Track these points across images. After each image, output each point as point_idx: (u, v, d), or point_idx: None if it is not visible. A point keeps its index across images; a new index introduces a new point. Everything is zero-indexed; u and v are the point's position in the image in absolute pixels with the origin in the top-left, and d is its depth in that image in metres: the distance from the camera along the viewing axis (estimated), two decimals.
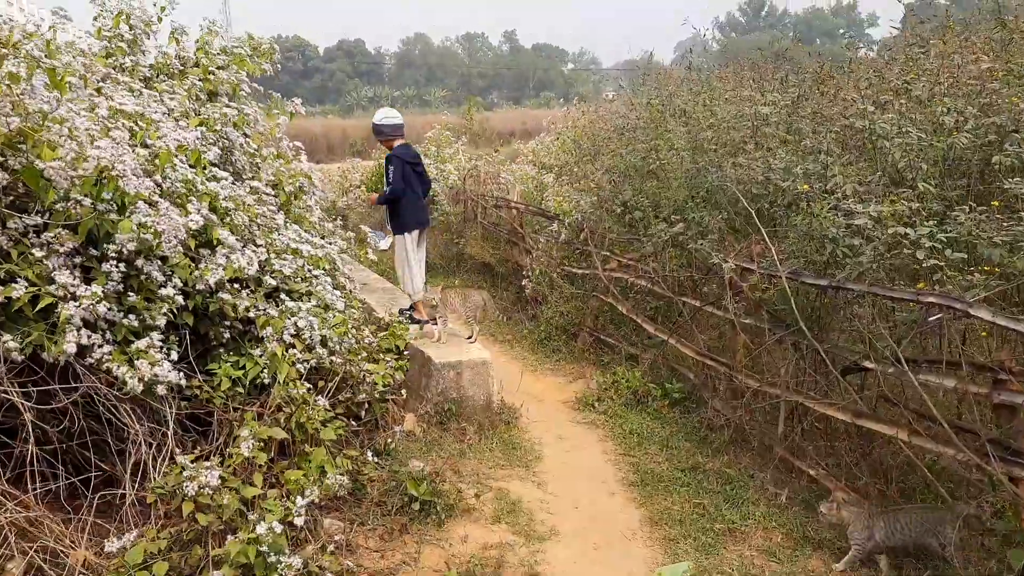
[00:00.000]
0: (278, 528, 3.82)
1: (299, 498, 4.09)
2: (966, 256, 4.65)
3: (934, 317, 4.73)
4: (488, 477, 6.00)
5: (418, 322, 7.84)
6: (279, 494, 4.35)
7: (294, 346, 5.05)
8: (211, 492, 3.94)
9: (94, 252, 4.29)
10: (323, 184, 14.94)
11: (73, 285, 3.95)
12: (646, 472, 6.15)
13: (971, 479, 4.91)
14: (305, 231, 6.23)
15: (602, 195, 9.33)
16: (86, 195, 4.08)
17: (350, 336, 5.51)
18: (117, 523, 4.26)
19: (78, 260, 4.24)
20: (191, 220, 4.41)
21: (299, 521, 4.01)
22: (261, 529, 3.76)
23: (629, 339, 8.64)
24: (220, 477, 4.12)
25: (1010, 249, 4.49)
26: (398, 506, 5.25)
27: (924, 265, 4.64)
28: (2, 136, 3.94)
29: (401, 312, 7.81)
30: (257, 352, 4.77)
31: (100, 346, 4.10)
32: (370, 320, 7.24)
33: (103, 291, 4.06)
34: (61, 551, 3.95)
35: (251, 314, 4.93)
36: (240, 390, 4.78)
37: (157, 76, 6.22)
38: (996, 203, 4.92)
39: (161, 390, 4.20)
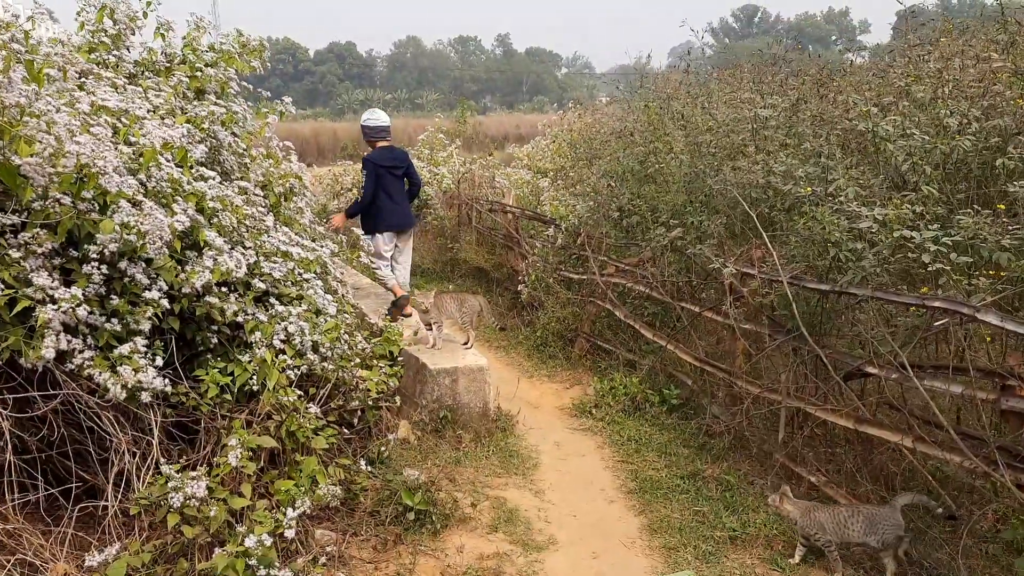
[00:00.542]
0: (267, 541, 3.68)
1: (289, 510, 3.95)
2: (971, 260, 4.56)
3: (940, 322, 4.63)
4: (485, 485, 5.86)
5: (396, 302, 8.13)
6: (269, 505, 4.21)
7: (284, 352, 4.91)
8: (197, 504, 3.79)
9: (75, 253, 4.13)
10: (313, 186, 14.87)
11: (52, 288, 3.79)
12: (645, 479, 6.03)
13: (976, 486, 4.81)
14: (296, 233, 6.09)
15: (599, 199, 9.22)
16: (65, 193, 3.93)
17: (342, 341, 5.36)
18: (99, 535, 4.11)
19: (58, 262, 4.08)
20: (176, 221, 4.27)
21: (290, 534, 3.87)
22: (250, 542, 3.62)
23: (627, 345, 8.51)
24: (208, 488, 3.98)
25: (1017, 253, 4.39)
26: (392, 516, 5.11)
27: (929, 269, 4.54)
28: None
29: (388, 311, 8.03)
30: (245, 358, 4.61)
31: (81, 351, 3.95)
32: (363, 325, 7.10)
33: (83, 294, 3.90)
34: (40, 565, 3.81)
35: (239, 319, 4.78)
36: (228, 397, 4.63)
37: (143, 73, 6.06)
38: (1002, 206, 4.83)
39: (145, 397, 4.05)
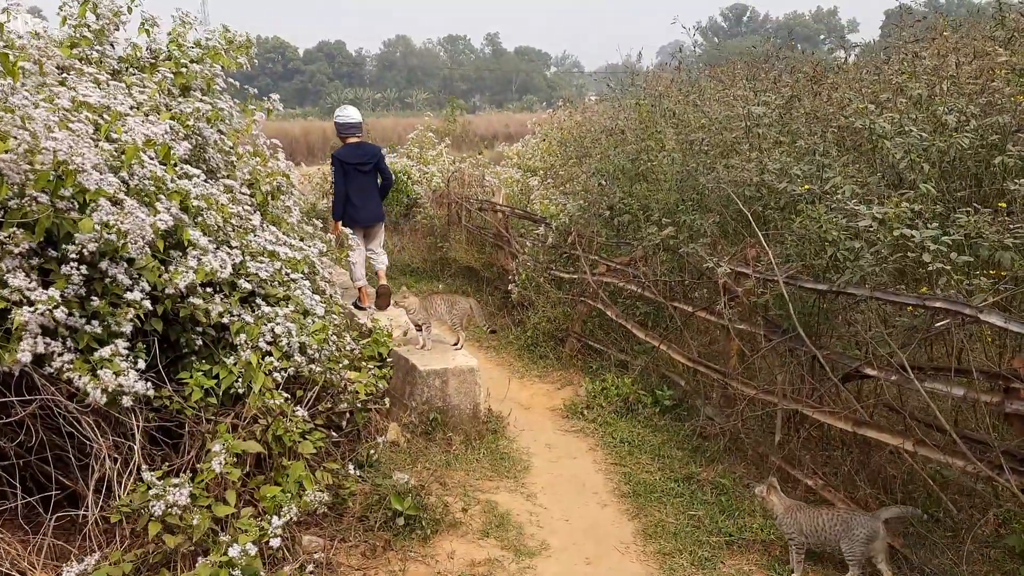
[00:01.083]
0: (252, 550, 3.56)
1: (275, 518, 3.82)
2: (972, 259, 4.48)
3: (940, 323, 4.54)
4: (475, 489, 5.76)
5: (362, 309, 8.40)
6: (254, 512, 4.09)
7: (271, 354, 4.78)
8: (179, 511, 3.67)
9: (54, 253, 4.00)
10: (302, 185, 14.73)
11: (29, 289, 3.66)
12: (638, 482, 5.93)
13: (977, 490, 4.73)
14: (284, 233, 5.97)
15: (590, 198, 9.12)
16: (43, 191, 3.80)
17: (330, 343, 5.24)
18: (79, 544, 3.99)
19: (36, 262, 3.94)
20: (159, 220, 4.14)
21: (275, 543, 3.74)
22: (234, 551, 3.50)
23: (619, 345, 8.42)
24: (191, 495, 3.86)
25: (1020, 252, 4.31)
26: (381, 521, 5.00)
27: (929, 268, 4.46)
28: None
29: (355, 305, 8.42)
30: (230, 360, 4.48)
31: (60, 354, 3.83)
32: (352, 326, 6.98)
33: (62, 295, 3.77)
34: (18, 575, 3.68)
35: (225, 320, 4.66)
36: (212, 400, 4.50)
37: (127, 69, 5.92)
38: (1003, 204, 4.75)
39: (126, 401, 3.93)
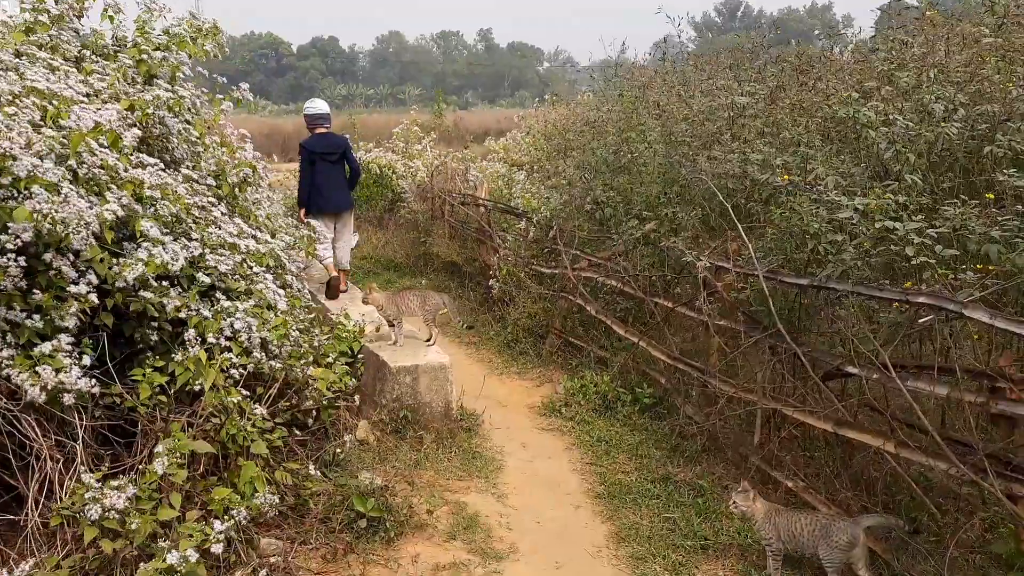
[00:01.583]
0: (193, 557, 3.36)
1: (217, 523, 3.61)
2: (958, 253, 4.30)
3: (924, 319, 4.36)
4: (445, 489, 5.57)
5: (329, 283, 8.76)
6: (202, 515, 3.89)
7: (230, 349, 4.59)
8: (117, 516, 3.47)
9: None
10: (288, 180, 14.52)
11: None
12: (613, 483, 5.75)
13: (962, 494, 4.55)
14: (251, 226, 5.77)
15: (572, 192, 8.94)
16: None
17: (290, 338, 5.03)
18: (19, 548, 3.79)
19: None
20: (107, 209, 3.95)
21: (217, 549, 3.54)
22: (173, 558, 3.30)
23: (599, 342, 8.23)
24: (136, 496, 3.67)
25: (1008, 245, 4.14)
26: (344, 523, 4.82)
27: (913, 262, 4.29)
28: None
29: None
30: (178, 357, 4.28)
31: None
32: (323, 321, 6.78)
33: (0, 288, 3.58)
34: None
35: (183, 315, 4.47)
36: (163, 399, 4.29)
37: (90, 56, 5.72)
38: (991, 195, 4.57)
39: (68, 399, 3.73)
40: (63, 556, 3.61)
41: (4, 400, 3.77)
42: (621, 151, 8.16)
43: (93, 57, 5.73)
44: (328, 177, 8.71)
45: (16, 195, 3.77)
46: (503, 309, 9.69)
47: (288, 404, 5.22)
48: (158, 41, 6.00)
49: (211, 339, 4.41)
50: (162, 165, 4.85)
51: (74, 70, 4.97)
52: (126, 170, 4.40)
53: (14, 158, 3.55)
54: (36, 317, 3.83)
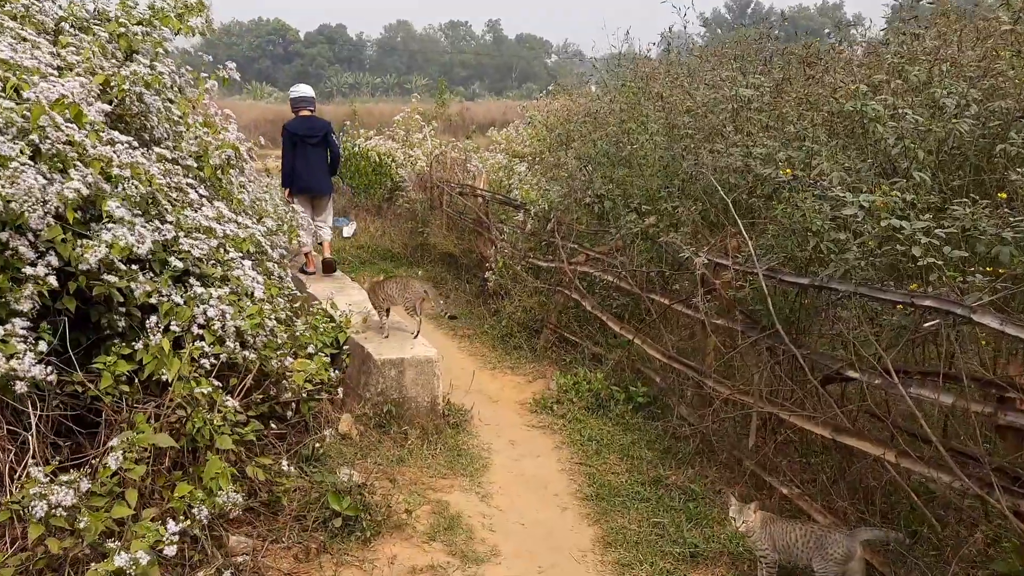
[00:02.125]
0: (144, 559, 3.15)
1: (172, 523, 3.39)
2: (968, 255, 4.08)
3: (930, 323, 4.15)
4: (427, 488, 5.37)
5: (309, 274, 9.06)
6: (160, 513, 3.69)
7: (203, 338, 4.37)
8: (64, 513, 3.25)
9: None
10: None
11: None
12: (603, 485, 5.54)
13: (964, 506, 4.34)
14: (234, 210, 5.56)
15: (572, 184, 8.71)
16: None
17: (266, 328, 4.81)
18: None
19: None
20: (68, 187, 3.74)
21: (170, 551, 3.32)
22: (121, 560, 3.09)
23: (594, 338, 8.01)
24: (92, 492, 3.46)
25: (1020, 248, 3.91)
26: (319, 521, 4.62)
27: (919, 263, 4.07)
28: None
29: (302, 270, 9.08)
30: (138, 345, 4.06)
31: None
32: (306, 310, 6.56)
33: None
34: None
35: (153, 300, 4.25)
36: (126, 388, 4.08)
37: (69, 29, 5.50)
38: (1003, 195, 4.35)
39: (20, 387, 3.52)
40: (11, 553, 3.40)
41: None
42: (622, 143, 7.93)
43: (72, 31, 5.51)
44: (308, 160, 9.02)
45: None
46: (498, 302, 9.47)
47: (264, 396, 5.00)
48: (140, 16, 5.78)
49: (176, 327, 4.18)
50: (135, 143, 4.62)
51: (44, 42, 4.74)
52: (94, 147, 4.18)
53: None
54: None
